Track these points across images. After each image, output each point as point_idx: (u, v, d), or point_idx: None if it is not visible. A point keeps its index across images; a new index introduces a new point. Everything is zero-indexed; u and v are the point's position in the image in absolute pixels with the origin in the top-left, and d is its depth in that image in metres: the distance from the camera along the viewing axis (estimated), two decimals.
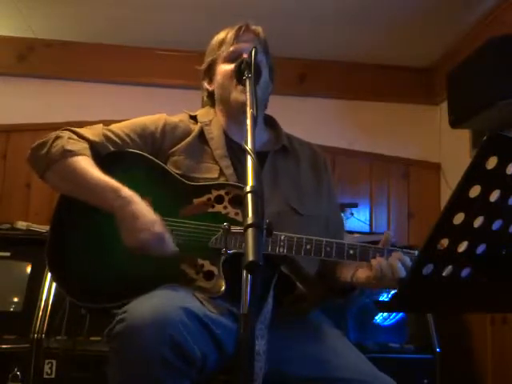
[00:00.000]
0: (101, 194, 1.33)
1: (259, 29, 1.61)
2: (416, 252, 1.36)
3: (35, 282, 2.24)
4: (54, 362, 2.06)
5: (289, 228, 1.37)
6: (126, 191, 1.32)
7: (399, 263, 1.30)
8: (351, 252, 1.35)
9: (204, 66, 1.64)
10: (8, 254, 2.34)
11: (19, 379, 2.04)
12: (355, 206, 3.02)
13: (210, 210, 1.40)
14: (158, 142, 1.51)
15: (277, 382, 1.28)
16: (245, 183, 0.94)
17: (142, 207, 1.31)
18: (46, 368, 2.05)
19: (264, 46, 1.60)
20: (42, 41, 3.24)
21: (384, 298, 2.35)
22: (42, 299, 2.20)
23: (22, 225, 2.49)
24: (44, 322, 2.14)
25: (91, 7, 2.87)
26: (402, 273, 1.29)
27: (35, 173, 1.45)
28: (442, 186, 3.31)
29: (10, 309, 2.25)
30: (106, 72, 3.27)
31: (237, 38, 1.56)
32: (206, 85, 1.66)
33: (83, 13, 2.94)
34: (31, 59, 3.24)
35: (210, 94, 1.66)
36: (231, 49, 1.55)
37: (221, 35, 1.60)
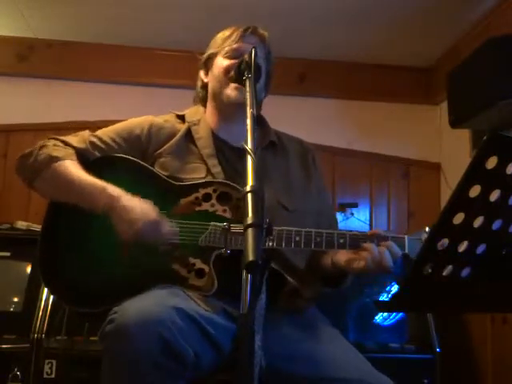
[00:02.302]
0: (89, 195, 1.35)
1: (266, 34, 1.61)
2: (405, 236, 1.36)
3: (35, 282, 2.24)
4: (54, 362, 2.06)
5: (278, 224, 1.36)
6: (113, 188, 1.34)
7: (387, 252, 1.30)
8: (341, 241, 1.35)
9: (204, 57, 1.64)
10: (8, 254, 2.34)
11: (19, 379, 2.04)
12: (355, 205, 3.02)
13: (198, 208, 1.40)
14: (144, 144, 1.52)
15: (273, 381, 1.28)
16: (244, 183, 0.94)
17: (130, 199, 1.33)
18: (46, 368, 2.05)
19: (267, 52, 1.61)
20: (42, 41, 3.24)
21: (384, 297, 2.35)
22: (41, 299, 2.19)
23: (22, 225, 2.49)
24: (44, 322, 2.14)
25: (91, 7, 2.87)
26: (389, 260, 1.30)
27: (23, 182, 1.48)
28: (442, 186, 3.31)
29: (10, 309, 2.25)
30: (106, 72, 3.27)
31: (242, 37, 1.56)
32: (202, 75, 1.66)
33: (83, 13, 2.94)
34: (31, 59, 3.24)
35: (204, 86, 1.66)
36: (234, 46, 1.55)
37: (227, 32, 1.60)
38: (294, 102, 3.22)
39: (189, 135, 1.55)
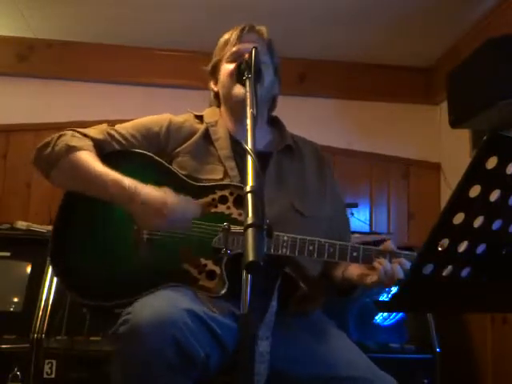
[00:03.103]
0: (105, 187, 1.34)
1: (263, 29, 1.62)
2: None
3: (35, 281, 2.24)
4: (54, 362, 2.05)
5: (292, 229, 1.37)
6: (129, 181, 1.33)
7: (399, 267, 1.31)
8: (354, 254, 1.36)
9: (209, 67, 1.65)
10: (8, 254, 2.34)
11: (19, 379, 2.04)
12: (355, 205, 3.01)
13: (214, 210, 1.40)
14: (163, 142, 1.52)
15: (280, 382, 1.29)
16: (245, 183, 0.94)
17: (147, 191, 1.31)
18: (46, 368, 2.05)
19: (268, 46, 1.61)
20: (42, 41, 3.24)
21: (384, 297, 2.35)
22: (41, 299, 2.19)
23: (22, 225, 2.49)
24: (44, 322, 2.14)
25: (91, 7, 2.87)
26: (401, 274, 1.31)
27: (41, 173, 1.46)
28: (441, 186, 3.31)
29: (10, 309, 2.25)
30: (106, 72, 3.27)
31: (240, 38, 1.57)
32: (212, 85, 1.68)
33: (83, 13, 2.94)
34: (31, 59, 3.24)
35: (216, 95, 1.67)
36: (234, 49, 1.56)
37: (225, 36, 1.61)
38: (294, 102, 3.21)
39: (207, 136, 1.55)
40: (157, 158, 1.47)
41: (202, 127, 1.57)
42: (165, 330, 1.09)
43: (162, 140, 1.52)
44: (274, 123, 1.68)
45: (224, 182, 1.44)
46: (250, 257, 0.80)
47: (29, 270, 2.31)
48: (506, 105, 2.18)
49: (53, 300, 2.19)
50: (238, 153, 1.52)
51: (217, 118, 1.61)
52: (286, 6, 2.80)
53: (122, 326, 1.14)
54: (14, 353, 2.09)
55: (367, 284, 1.36)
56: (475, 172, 0.83)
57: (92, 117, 2.90)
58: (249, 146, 1.02)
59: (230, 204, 1.40)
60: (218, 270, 1.34)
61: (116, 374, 1.14)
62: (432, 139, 3.35)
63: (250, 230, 0.85)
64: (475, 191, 0.84)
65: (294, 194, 1.51)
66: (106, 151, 1.46)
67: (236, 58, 1.52)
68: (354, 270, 1.41)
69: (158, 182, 1.38)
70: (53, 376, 2.05)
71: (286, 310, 1.41)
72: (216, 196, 1.41)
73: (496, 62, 2.20)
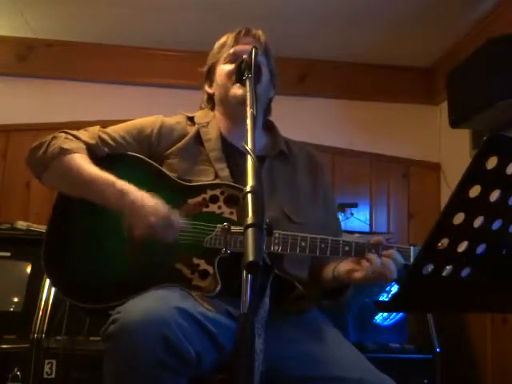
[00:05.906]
0: (97, 189, 1.35)
1: (260, 32, 1.62)
2: (411, 247, 1.36)
3: (35, 281, 2.24)
4: (54, 361, 2.05)
5: None
6: (122, 183, 1.34)
7: (391, 262, 1.30)
8: (346, 249, 1.35)
9: (205, 69, 1.65)
10: (8, 254, 2.34)
11: (19, 379, 2.04)
12: (355, 205, 3.01)
13: (205, 209, 1.40)
14: (154, 144, 1.52)
15: (274, 382, 1.28)
16: (245, 183, 0.94)
17: (140, 195, 1.33)
18: (46, 368, 2.05)
19: (265, 49, 1.61)
20: (42, 41, 3.24)
21: (384, 298, 2.35)
22: (42, 299, 2.19)
23: (22, 225, 2.49)
24: (44, 321, 2.14)
25: (91, 7, 2.87)
26: (393, 272, 1.30)
27: (33, 174, 1.47)
28: (442, 186, 3.31)
29: (10, 309, 2.25)
30: (106, 72, 3.27)
31: (237, 40, 1.57)
32: (206, 88, 1.67)
33: (83, 13, 2.94)
34: (31, 59, 3.24)
35: (210, 97, 1.66)
36: (231, 51, 1.57)
37: (221, 39, 1.62)
38: (294, 102, 3.22)
39: (198, 137, 1.55)
40: (147, 159, 1.48)
41: (193, 129, 1.57)
42: (154, 327, 1.10)
43: (153, 142, 1.52)
44: (268, 128, 1.68)
45: (215, 182, 1.44)
46: (250, 257, 0.80)
47: (29, 270, 2.31)
48: (506, 105, 2.18)
49: (53, 300, 2.19)
50: (230, 154, 1.52)
51: (209, 120, 1.60)
52: (287, 6, 2.80)
53: (112, 325, 1.15)
54: (14, 353, 2.08)
55: (356, 280, 1.33)
56: (475, 172, 0.83)
57: (92, 117, 2.90)
58: (249, 146, 1.01)
59: (221, 203, 1.40)
60: (210, 269, 1.35)
61: (106, 373, 1.15)
62: (432, 139, 3.35)
63: (249, 230, 0.85)
64: (475, 191, 0.84)
65: (285, 199, 1.51)
66: (97, 155, 1.47)
67: (234, 59, 1.52)
68: (343, 267, 1.39)
69: (148, 184, 1.38)
70: (53, 376, 2.05)
71: (279, 308, 1.41)
72: (207, 196, 1.41)
73: (496, 62, 2.20)
